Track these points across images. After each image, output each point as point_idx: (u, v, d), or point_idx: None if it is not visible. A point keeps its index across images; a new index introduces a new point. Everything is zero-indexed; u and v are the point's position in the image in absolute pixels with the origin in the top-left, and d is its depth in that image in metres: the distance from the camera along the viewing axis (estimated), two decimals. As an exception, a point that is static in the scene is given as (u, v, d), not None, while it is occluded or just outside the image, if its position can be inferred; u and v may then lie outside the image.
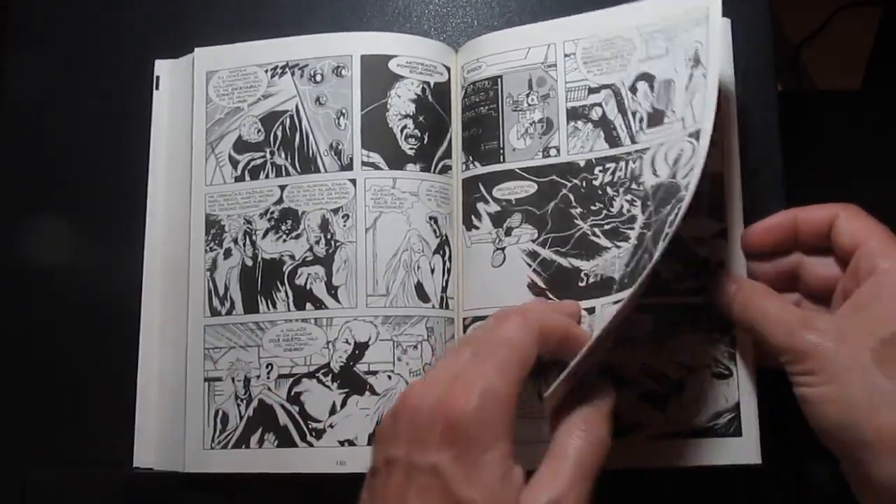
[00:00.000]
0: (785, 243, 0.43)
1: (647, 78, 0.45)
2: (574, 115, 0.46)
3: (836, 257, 0.42)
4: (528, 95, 0.47)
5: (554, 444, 0.35)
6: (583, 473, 0.34)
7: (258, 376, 0.46)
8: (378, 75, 0.47)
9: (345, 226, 0.46)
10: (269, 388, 0.46)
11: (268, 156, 0.48)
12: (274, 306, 0.46)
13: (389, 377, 0.45)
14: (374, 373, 0.45)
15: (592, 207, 0.45)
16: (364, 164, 0.46)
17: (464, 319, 0.46)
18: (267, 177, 0.47)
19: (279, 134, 0.48)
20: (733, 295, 0.42)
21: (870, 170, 0.85)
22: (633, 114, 0.45)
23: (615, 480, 0.44)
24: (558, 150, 0.46)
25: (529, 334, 0.36)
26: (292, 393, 0.45)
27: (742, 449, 0.43)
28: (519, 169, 0.46)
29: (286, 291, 0.46)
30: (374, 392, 0.45)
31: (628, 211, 0.44)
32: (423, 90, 0.47)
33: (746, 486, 0.46)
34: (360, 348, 0.45)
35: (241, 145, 0.48)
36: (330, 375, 0.45)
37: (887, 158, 0.86)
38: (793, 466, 0.46)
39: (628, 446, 0.43)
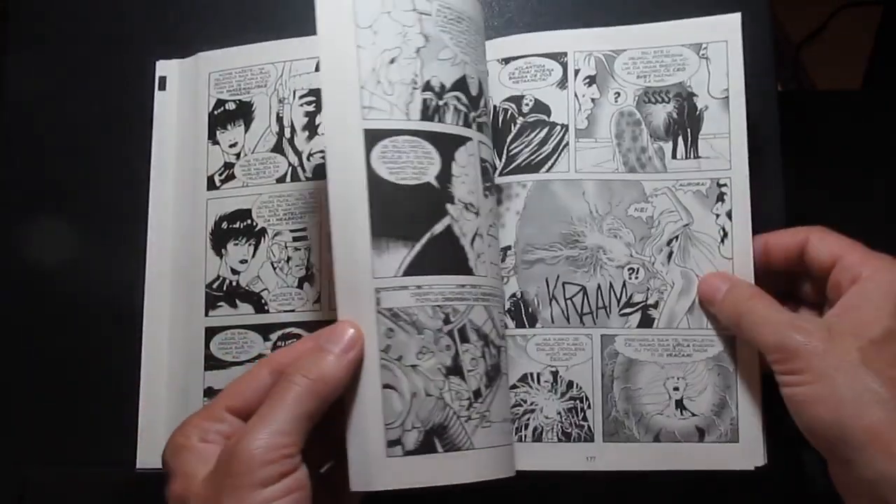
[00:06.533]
0: (759, 267, 0.43)
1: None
2: None
3: (810, 279, 0.43)
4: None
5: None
6: (280, 411, 0.35)
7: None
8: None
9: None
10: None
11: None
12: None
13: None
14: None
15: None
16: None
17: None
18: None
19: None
20: (724, 294, 0.42)
21: (870, 170, 0.85)
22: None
23: (616, 482, 0.44)
24: None
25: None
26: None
27: (739, 455, 0.43)
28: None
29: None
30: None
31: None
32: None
33: (747, 488, 0.46)
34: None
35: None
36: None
37: (888, 158, 0.86)
38: (793, 467, 0.46)
39: (626, 450, 0.44)
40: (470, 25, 0.42)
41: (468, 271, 0.40)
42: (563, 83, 0.46)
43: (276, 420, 0.35)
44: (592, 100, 0.46)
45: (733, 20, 0.45)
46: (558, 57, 0.46)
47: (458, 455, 0.38)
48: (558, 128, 0.46)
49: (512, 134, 0.46)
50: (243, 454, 0.33)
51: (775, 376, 0.39)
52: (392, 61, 0.39)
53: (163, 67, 0.51)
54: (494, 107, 0.47)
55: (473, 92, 0.42)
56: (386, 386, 0.37)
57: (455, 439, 0.38)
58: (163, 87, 0.50)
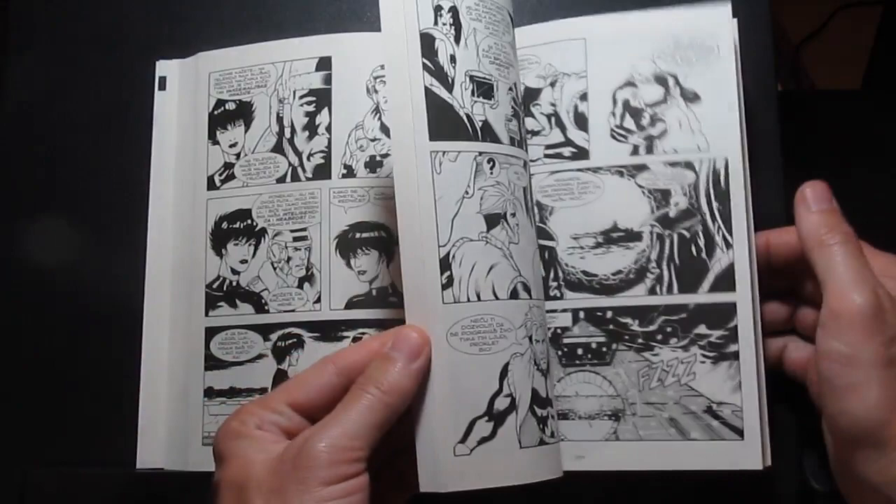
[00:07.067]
0: (761, 265, 0.43)
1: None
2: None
3: (812, 277, 0.41)
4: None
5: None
6: (352, 415, 0.35)
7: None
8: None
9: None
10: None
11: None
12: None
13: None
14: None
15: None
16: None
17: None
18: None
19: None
20: (812, 215, 0.40)
21: (870, 170, 0.85)
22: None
23: (616, 482, 0.44)
24: None
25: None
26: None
27: (744, 453, 0.43)
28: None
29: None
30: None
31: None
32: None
33: (747, 488, 0.46)
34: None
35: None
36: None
37: (887, 158, 0.86)
38: (793, 467, 0.46)
39: (626, 449, 0.44)
40: None
41: None
42: None
43: (347, 422, 0.35)
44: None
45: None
46: None
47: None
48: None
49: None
50: (313, 450, 0.34)
51: (820, 342, 0.37)
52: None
53: (163, 67, 0.51)
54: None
55: None
56: None
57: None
58: (163, 87, 0.50)
